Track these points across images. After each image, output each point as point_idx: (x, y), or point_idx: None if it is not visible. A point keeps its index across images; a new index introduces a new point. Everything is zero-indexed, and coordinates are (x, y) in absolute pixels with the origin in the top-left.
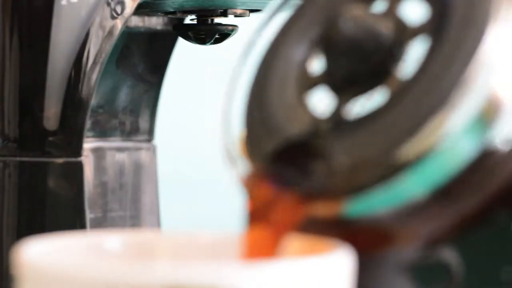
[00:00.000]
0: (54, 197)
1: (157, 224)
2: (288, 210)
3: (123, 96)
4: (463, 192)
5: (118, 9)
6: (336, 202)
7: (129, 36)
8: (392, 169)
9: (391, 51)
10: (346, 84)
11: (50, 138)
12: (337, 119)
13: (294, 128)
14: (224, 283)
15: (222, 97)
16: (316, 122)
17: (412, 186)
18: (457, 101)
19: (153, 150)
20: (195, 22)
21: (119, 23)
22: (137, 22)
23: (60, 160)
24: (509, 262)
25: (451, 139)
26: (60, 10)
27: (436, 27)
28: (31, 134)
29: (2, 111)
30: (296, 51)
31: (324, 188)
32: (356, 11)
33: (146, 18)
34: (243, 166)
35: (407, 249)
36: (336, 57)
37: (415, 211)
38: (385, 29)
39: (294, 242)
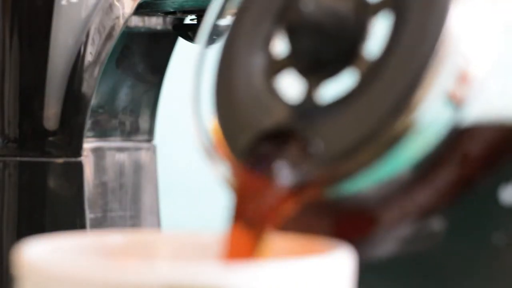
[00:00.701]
0: (54, 197)
1: (157, 224)
2: (274, 200)
3: (123, 96)
4: (444, 165)
5: (119, 8)
6: (322, 189)
7: (129, 36)
8: (375, 152)
9: (355, 31)
10: (313, 68)
11: (50, 138)
12: (309, 105)
13: (267, 119)
14: (224, 283)
15: (190, 92)
16: (289, 110)
17: (395, 164)
18: (431, 77)
19: (153, 150)
20: (195, 22)
21: (119, 23)
22: (137, 22)
23: (60, 160)
24: (498, 228)
25: (429, 115)
26: (60, 10)
27: (397, 1)
28: (31, 134)
29: (2, 111)
30: (258, 36)
31: (308, 177)
32: None
33: (146, 18)
34: (222, 163)
35: (399, 225)
36: (300, 41)
37: (400, 187)
38: (346, 8)
39: (290, 242)
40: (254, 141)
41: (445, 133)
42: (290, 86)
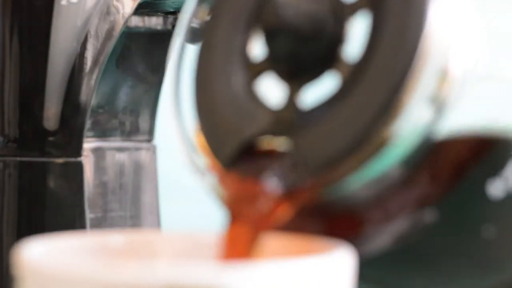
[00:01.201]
0: (54, 197)
1: (157, 224)
2: (266, 206)
3: (123, 96)
4: (431, 161)
5: (119, 8)
6: (313, 193)
7: (129, 36)
8: (360, 159)
9: (333, 33)
10: (294, 72)
11: (50, 138)
12: (292, 110)
13: (251, 127)
14: (223, 283)
15: (169, 102)
16: (271, 116)
17: (383, 166)
18: (415, 80)
19: (153, 150)
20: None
21: (119, 23)
22: (137, 22)
23: (60, 160)
24: (487, 221)
25: (413, 117)
26: (60, 10)
27: (374, 0)
28: (31, 134)
29: (2, 111)
30: (234, 40)
31: (297, 183)
32: None
33: (146, 18)
34: (208, 171)
35: (389, 223)
36: (279, 46)
37: (387, 186)
38: (323, 10)
39: (289, 242)
40: (240, 149)
41: (431, 131)
42: (271, 89)
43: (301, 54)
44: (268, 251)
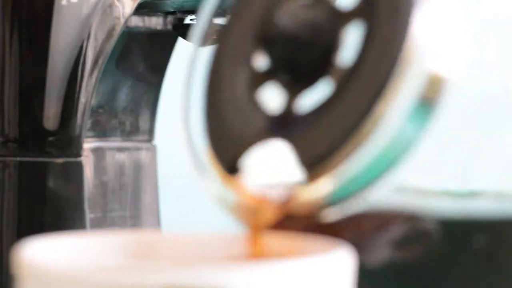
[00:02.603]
0: (54, 197)
1: (157, 224)
2: (268, 214)
3: (123, 96)
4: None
5: (119, 8)
6: (314, 200)
7: (129, 36)
8: (348, 151)
9: (329, 40)
10: (293, 79)
11: (50, 138)
12: (288, 116)
13: (249, 131)
14: (224, 283)
15: (180, 107)
16: (268, 121)
17: (376, 170)
18: (398, 82)
19: (153, 150)
20: (195, 22)
21: (119, 23)
22: (137, 22)
23: (60, 160)
24: (479, 230)
25: (398, 122)
26: (60, 10)
27: (367, 10)
28: (31, 134)
29: (2, 111)
30: (241, 50)
31: (297, 190)
32: (289, 5)
33: (146, 18)
34: (214, 179)
35: (393, 225)
36: (278, 54)
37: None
38: (319, 18)
39: (290, 242)
40: (241, 153)
41: (417, 136)
42: (274, 97)
43: (299, 61)
44: (268, 251)
